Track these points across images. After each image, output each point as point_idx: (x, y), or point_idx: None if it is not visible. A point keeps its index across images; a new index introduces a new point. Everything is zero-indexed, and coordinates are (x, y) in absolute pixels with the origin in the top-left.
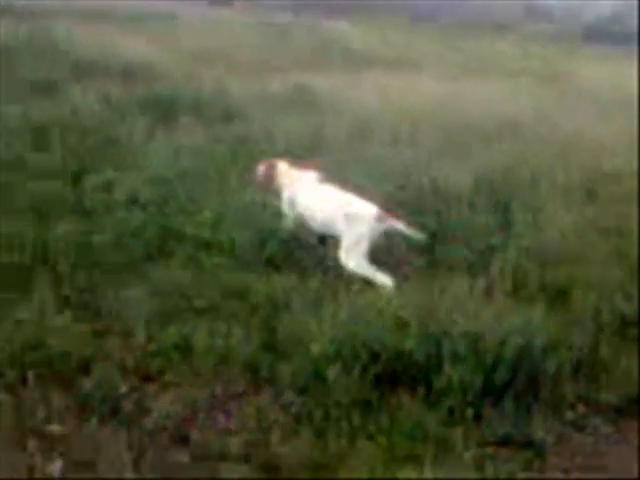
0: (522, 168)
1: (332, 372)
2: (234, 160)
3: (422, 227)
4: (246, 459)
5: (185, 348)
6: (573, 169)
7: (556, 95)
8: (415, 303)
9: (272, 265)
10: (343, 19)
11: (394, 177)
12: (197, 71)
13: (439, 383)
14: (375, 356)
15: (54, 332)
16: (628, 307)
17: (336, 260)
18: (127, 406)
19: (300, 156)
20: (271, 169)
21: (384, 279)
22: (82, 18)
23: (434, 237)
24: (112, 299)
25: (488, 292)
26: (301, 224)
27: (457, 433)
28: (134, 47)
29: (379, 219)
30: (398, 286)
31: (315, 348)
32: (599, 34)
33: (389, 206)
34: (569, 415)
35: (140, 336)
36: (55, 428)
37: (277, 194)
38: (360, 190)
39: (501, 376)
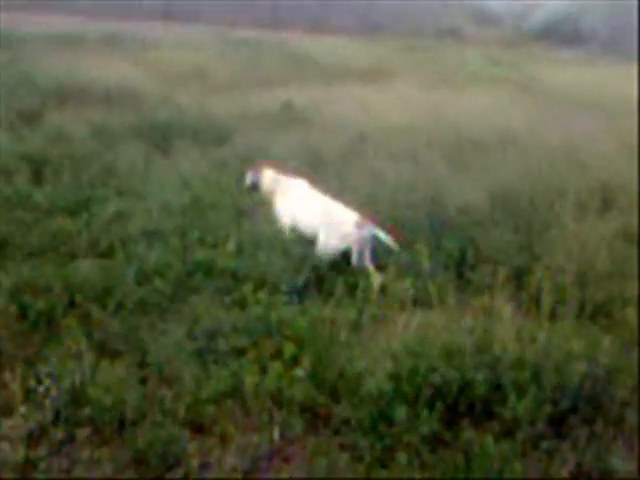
0: (532, 181)
1: (397, 410)
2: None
3: (448, 247)
4: None
5: (236, 391)
6: (584, 180)
7: (538, 104)
8: (462, 328)
9: (306, 293)
10: (300, 33)
11: (403, 194)
12: (178, 93)
13: (505, 414)
14: (435, 388)
15: (96, 384)
16: None
17: (367, 284)
18: (186, 461)
19: (305, 175)
20: (259, 175)
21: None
22: (55, 43)
23: (463, 257)
24: (149, 342)
25: (530, 313)
26: (292, 229)
27: (533, 466)
28: (111, 70)
29: (359, 225)
30: (438, 308)
31: (373, 385)
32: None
33: (409, 228)
34: None
35: (187, 382)
36: None
37: (265, 199)
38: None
39: (566, 403)
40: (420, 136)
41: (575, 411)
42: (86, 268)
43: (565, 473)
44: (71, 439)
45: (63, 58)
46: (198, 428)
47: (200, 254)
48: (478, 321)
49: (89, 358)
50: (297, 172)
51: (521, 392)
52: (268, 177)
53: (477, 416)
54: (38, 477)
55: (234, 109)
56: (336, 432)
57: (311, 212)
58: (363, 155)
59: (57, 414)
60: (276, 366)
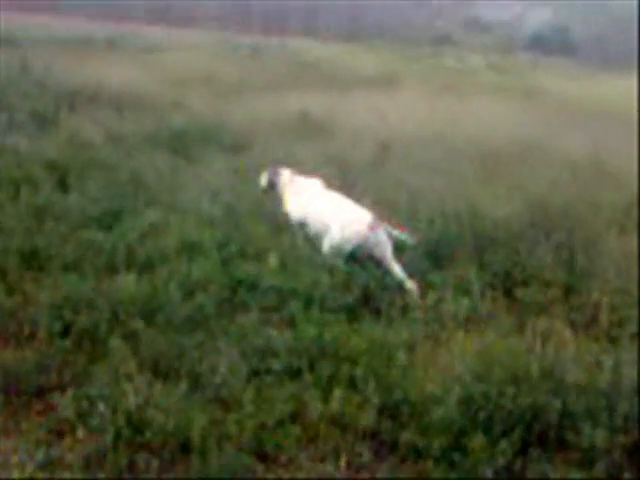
0: (564, 195)
1: (471, 439)
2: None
3: (492, 266)
4: None
5: (298, 415)
6: (617, 194)
7: (549, 113)
8: (522, 351)
9: (354, 310)
10: (293, 38)
11: (438, 208)
12: (188, 98)
13: (579, 443)
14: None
15: (153, 406)
16: None
17: (412, 301)
18: None
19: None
20: (276, 175)
21: None
22: (59, 45)
23: (508, 276)
24: (200, 363)
25: (587, 334)
26: (301, 226)
27: None
28: (118, 74)
29: (373, 225)
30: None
31: (442, 411)
32: (536, 45)
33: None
34: None
35: (247, 407)
36: None
37: (280, 199)
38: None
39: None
40: (441, 146)
41: None
42: (126, 283)
43: None
44: (132, 464)
45: (70, 61)
46: (262, 455)
47: (242, 269)
48: (537, 342)
49: (141, 379)
50: (328, 184)
51: (593, 419)
52: (285, 177)
53: (550, 445)
54: None
55: (247, 115)
56: (403, 460)
57: (322, 209)
58: (389, 166)
59: (116, 438)
60: (339, 391)
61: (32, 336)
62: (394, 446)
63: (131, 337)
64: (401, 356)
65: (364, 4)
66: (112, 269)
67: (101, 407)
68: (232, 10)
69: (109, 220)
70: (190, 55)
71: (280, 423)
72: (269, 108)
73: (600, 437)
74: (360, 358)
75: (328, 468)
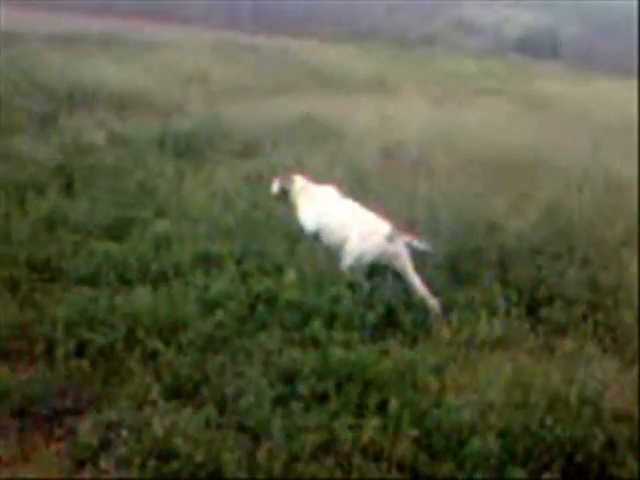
0: (579, 207)
1: (511, 472)
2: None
3: (516, 283)
4: None
5: (329, 445)
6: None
7: (550, 119)
8: (556, 376)
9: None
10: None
11: (454, 220)
12: (189, 98)
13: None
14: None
15: (179, 434)
16: None
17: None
18: None
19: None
20: (288, 183)
21: None
22: (54, 42)
23: (531, 293)
24: (224, 387)
25: (617, 356)
26: (316, 236)
27: None
28: (116, 72)
29: (391, 237)
30: (519, 350)
31: (477, 443)
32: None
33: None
34: None
35: (277, 435)
36: None
37: (293, 207)
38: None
39: None
40: (448, 153)
41: None
42: (142, 298)
43: None
44: None
45: (67, 59)
46: None
47: (260, 284)
48: (570, 366)
49: (164, 404)
50: (342, 192)
51: (633, 449)
52: (297, 184)
53: (593, 477)
54: None
55: (251, 118)
56: None
57: (338, 220)
58: (398, 173)
59: (141, 468)
60: (371, 419)
61: (46, 353)
62: (430, 478)
63: (150, 357)
64: (432, 381)
65: (353, 5)
66: (125, 282)
67: (124, 434)
68: (226, 9)
69: (119, 229)
70: (188, 54)
71: (311, 454)
72: (272, 110)
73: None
74: (389, 382)
75: None
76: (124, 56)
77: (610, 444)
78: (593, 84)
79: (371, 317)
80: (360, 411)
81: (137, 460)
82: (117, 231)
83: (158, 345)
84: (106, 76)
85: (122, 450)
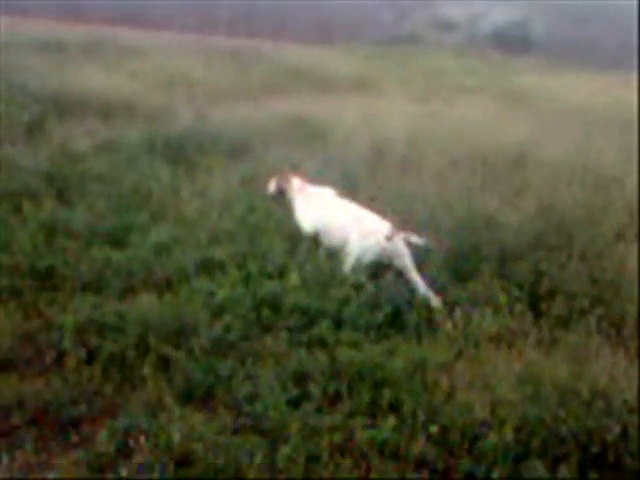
0: (571, 202)
1: (530, 466)
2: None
3: (516, 278)
4: None
5: (345, 445)
6: (620, 200)
7: (535, 115)
8: (566, 369)
9: (381, 329)
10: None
11: (450, 216)
12: (176, 103)
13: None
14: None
15: (194, 439)
16: None
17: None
18: None
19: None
20: (285, 182)
21: None
22: (36, 49)
23: (532, 288)
24: (237, 391)
25: (621, 349)
26: (314, 237)
27: None
28: (100, 79)
29: (391, 235)
30: (524, 345)
31: (493, 439)
32: (498, 44)
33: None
34: None
35: (294, 438)
36: None
37: (289, 206)
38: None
39: None
40: (438, 152)
41: None
42: (149, 304)
43: None
44: None
45: (51, 65)
46: None
47: (264, 287)
48: (576, 359)
49: (179, 409)
50: (338, 192)
51: None
52: (294, 184)
53: (608, 469)
54: None
55: (240, 121)
56: None
57: (338, 220)
58: (389, 172)
59: (161, 473)
60: (385, 418)
61: (56, 361)
62: (448, 474)
63: (162, 363)
64: (442, 378)
65: (328, 4)
66: (130, 289)
67: (142, 440)
68: (202, 13)
69: (119, 236)
70: (170, 58)
71: (329, 454)
72: (259, 112)
73: None
74: (400, 381)
75: None
76: (108, 62)
77: (624, 435)
78: (567, 76)
79: (378, 317)
80: (373, 410)
81: (157, 466)
82: (117, 237)
83: (169, 350)
84: (91, 83)
85: (141, 456)
